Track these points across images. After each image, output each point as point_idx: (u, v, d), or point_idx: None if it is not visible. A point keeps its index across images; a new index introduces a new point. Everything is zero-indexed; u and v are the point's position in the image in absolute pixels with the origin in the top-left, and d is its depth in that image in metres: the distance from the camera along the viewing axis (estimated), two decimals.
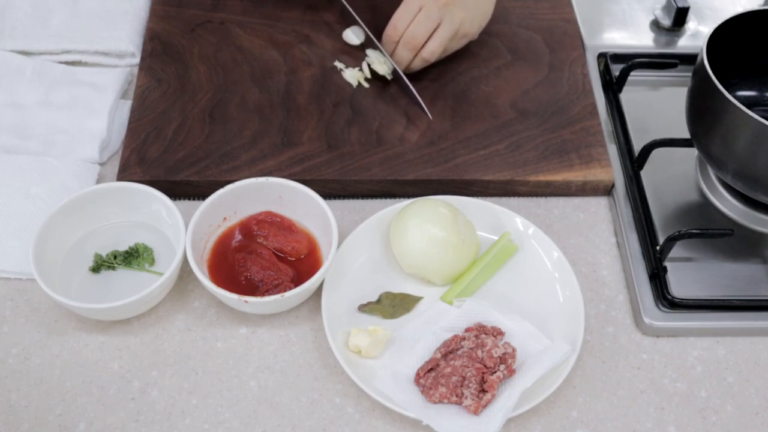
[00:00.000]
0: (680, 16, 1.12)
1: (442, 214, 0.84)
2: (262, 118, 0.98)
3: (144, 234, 0.88)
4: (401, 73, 0.99)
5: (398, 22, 0.98)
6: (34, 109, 0.98)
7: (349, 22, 1.06)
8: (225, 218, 0.88)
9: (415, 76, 1.02)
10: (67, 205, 0.84)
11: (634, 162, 0.96)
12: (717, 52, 0.87)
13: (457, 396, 0.76)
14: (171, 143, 0.95)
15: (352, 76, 1.03)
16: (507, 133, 0.98)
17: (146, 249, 0.86)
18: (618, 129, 1.00)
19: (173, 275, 0.81)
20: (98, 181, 0.93)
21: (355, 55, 1.05)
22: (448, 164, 0.94)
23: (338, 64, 1.04)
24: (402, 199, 0.93)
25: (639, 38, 1.12)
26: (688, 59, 1.02)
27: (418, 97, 0.99)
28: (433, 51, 0.98)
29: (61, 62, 1.04)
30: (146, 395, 0.79)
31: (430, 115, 0.99)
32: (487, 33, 1.08)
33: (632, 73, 1.03)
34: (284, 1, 1.11)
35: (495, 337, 0.80)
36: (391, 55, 1.00)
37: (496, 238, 0.89)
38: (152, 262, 0.86)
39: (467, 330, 0.81)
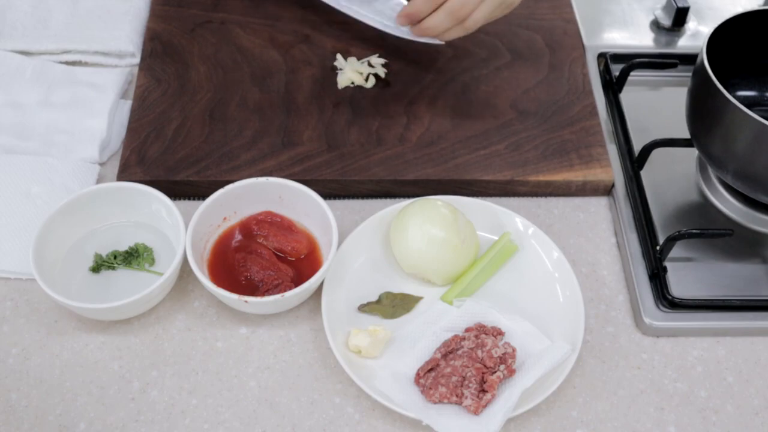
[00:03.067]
0: (680, 16, 1.12)
1: (442, 214, 0.84)
2: (262, 118, 0.98)
3: (144, 234, 0.88)
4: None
5: None
6: (34, 109, 0.98)
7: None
8: (225, 218, 0.87)
9: (415, 76, 1.02)
10: (67, 205, 0.84)
11: (634, 162, 0.96)
12: (717, 52, 0.87)
13: (457, 396, 0.76)
14: (171, 143, 0.95)
15: (352, 75, 1.02)
16: (507, 133, 0.98)
17: (146, 249, 0.86)
18: (618, 129, 1.00)
19: (173, 275, 0.81)
20: (98, 181, 0.93)
21: (356, 54, 1.05)
22: (448, 164, 0.94)
23: (338, 64, 1.04)
24: (402, 199, 0.93)
25: (639, 38, 1.12)
26: (688, 59, 1.02)
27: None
28: (477, 20, 0.88)
29: (61, 62, 1.04)
30: (146, 395, 0.79)
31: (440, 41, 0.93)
32: (487, 33, 1.08)
33: (632, 73, 1.03)
34: (284, 1, 1.11)
35: (495, 337, 0.80)
36: (423, 17, 0.89)
37: (496, 238, 0.89)
38: (152, 262, 0.86)
39: (467, 330, 0.81)
